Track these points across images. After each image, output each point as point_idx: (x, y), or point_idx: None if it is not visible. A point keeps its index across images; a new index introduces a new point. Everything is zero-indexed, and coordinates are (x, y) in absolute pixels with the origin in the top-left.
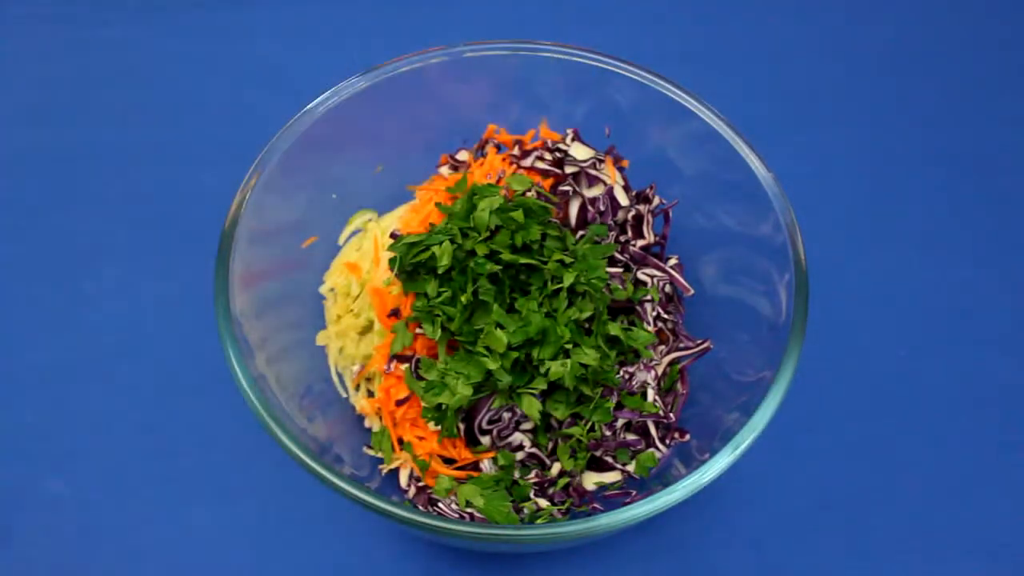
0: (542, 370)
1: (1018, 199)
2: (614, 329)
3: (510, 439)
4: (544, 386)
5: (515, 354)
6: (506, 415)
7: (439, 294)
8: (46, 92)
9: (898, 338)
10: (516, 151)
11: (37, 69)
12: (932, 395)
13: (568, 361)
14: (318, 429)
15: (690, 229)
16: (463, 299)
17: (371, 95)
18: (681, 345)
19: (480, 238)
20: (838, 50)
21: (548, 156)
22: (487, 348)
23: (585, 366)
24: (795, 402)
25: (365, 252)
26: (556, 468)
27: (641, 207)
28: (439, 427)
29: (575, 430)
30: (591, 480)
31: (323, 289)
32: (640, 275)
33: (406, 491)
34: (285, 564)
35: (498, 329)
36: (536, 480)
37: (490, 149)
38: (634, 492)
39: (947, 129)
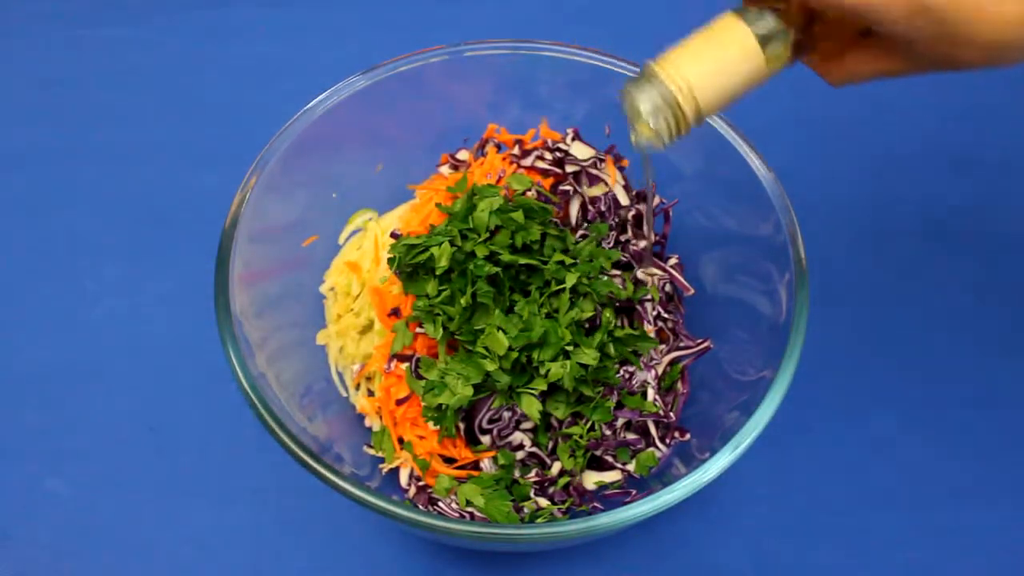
0: (542, 371)
1: (1021, 198)
2: (619, 333)
3: (510, 438)
4: (544, 387)
5: (515, 355)
6: (506, 415)
7: (439, 293)
8: (46, 92)
9: (898, 337)
10: (516, 150)
11: (37, 69)
12: (932, 394)
13: (568, 362)
14: (318, 428)
15: (690, 229)
16: (462, 301)
17: (371, 94)
18: (681, 344)
19: (480, 239)
20: None
21: (548, 155)
22: (486, 348)
23: (585, 366)
24: (795, 402)
25: (365, 251)
26: (556, 467)
27: (641, 206)
28: (439, 427)
29: (575, 429)
30: (591, 479)
31: (323, 288)
32: (640, 274)
33: (406, 490)
34: (285, 564)
35: (499, 332)
36: (536, 479)
37: (490, 148)
38: (634, 491)
39: (949, 126)
